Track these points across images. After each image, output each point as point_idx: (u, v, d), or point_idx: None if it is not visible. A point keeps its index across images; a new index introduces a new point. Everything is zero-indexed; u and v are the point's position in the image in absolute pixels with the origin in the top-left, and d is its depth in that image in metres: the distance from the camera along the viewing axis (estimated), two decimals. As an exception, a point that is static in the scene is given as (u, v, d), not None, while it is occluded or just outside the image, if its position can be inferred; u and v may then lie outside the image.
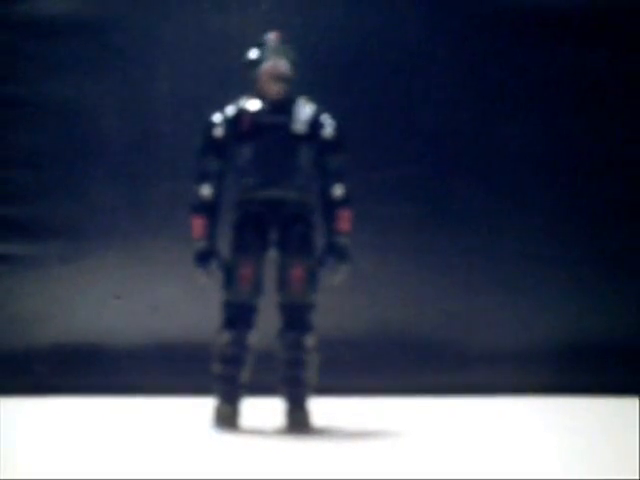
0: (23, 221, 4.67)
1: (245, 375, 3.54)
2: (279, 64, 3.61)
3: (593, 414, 4.03)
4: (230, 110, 3.62)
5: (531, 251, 4.71)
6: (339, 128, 3.61)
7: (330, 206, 3.61)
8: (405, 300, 4.65)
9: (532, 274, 4.70)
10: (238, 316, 3.51)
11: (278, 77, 3.59)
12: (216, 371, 3.54)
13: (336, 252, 3.58)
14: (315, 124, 3.59)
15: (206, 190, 3.57)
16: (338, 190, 3.61)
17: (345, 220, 3.61)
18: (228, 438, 3.34)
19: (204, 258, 3.55)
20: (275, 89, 3.59)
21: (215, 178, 3.58)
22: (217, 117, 3.62)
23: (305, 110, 3.61)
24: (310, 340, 3.52)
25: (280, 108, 3.60)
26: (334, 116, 3.62)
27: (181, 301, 4.62)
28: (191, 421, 3.70)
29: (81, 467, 2.82)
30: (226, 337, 3.52)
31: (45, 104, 4.70)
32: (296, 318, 3.53)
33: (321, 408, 3.70)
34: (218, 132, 3.59)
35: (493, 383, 4.53)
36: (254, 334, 3.52)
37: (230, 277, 3.52)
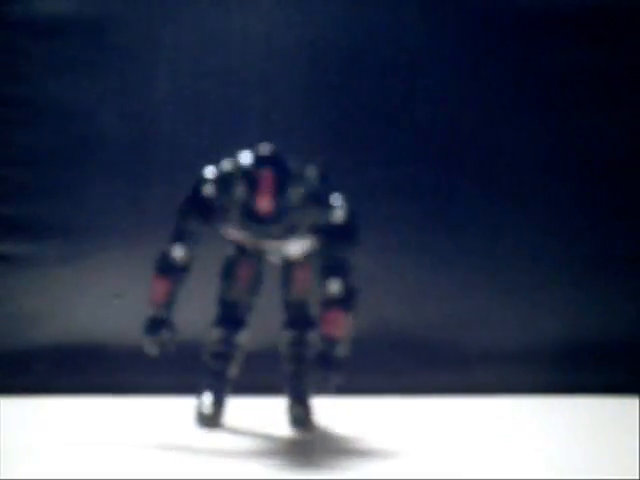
0: (23, 221, 4.67)
1: (232, 372, 3.52)
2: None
3: (593, 414, 4.03)
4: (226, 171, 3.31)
5: (531, 251, 4.71)
6: (351, 214, 3.24)
7: (323, 304, 3.20)
8: (405, 300, 4.65)
9: (532, 274, 4.70)
10: (231, 314, 3.47)
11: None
12: (205, 365, 3.52)
13: (325, 363, 3.18)
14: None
15: (179, 252, 3.34)
16: (334, 286, 3.22)
17: (337, 324, 3.20)
18: (228, 438, 3.34)
19: (155, 327, 3.34)
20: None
21: (192, 239, 3.34)
22: (210, 173, 3.33)
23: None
24: (313, 336, 3.46)
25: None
26: (343, 183, 3.38)
27: (181, 301, 4.61)
28: (189, 420, 3.70)
29: (81, 467, 2.82)
30: (216, 334, 3.50)
31: (44, 104, 4.69)
32: (299, 315, 3.46)
33: (321, 408, 3.70)
34: (208, 191, 3.29)
35: (493, 383, 4.53)
36: (245, 333, 3.49)
37: (228, 274, 3.46)
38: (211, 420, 3.48)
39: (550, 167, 4.75)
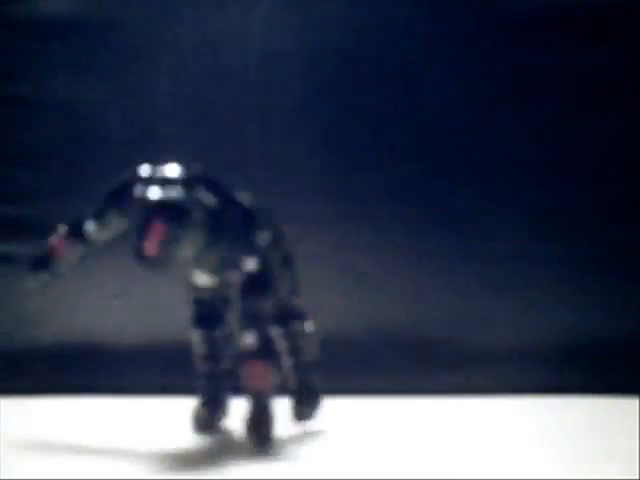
0: (23, 221, 4.67)
1: (225, 372, 3.40)
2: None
3: (593, 414, 4.02)
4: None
5: (531, 251, 4.70)
6: (264, 261, 3.18)
7: (241, 357, 3.13)
8: (405, 300, 4.65)
9: (532, 274, 4.69)
10: (205, 312, 3.37)
11: None
12: (197, 369, 3.41)
13: (258, 421, 3.13)
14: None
15: (91, 227, 3.36)
16: (249, 339, 3.11)
17: (257, 376, 3.10)
18: (227, 438, 3.34)
19: (39, 265, 3.36)
20: None
21: (105, 224, 3.34)
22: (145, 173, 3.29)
23: None
24: (309, 327, 3.43)
25: None
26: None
27: (181, 301, 4.61)
28: (189, 421, 3.70)
29: (81, 467, 2.82)
30: (196, 335, 3.40)
31: (45, 104, 4.69)
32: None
33: (321, 409, 3.70)
34: (137, 192, 3.26)
35: (493, 383, 4.53)
36: (224, 328, 3.36)
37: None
38: (204, 425, 3.39)
39: (550, 167, 4.75)
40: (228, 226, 3.22)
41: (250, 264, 3.14)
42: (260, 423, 3.12)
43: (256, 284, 3.14)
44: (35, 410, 4.03)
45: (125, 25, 4.74)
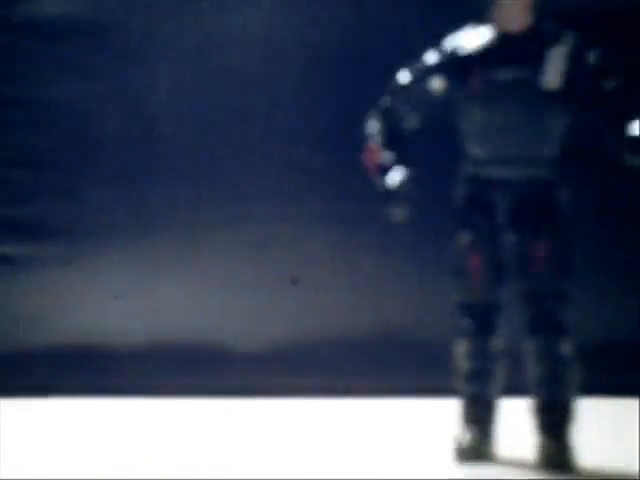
0: (23, 221, 4.67)
1: (494, 392, 2.97)
2: None
3: (593, 414, 4.02)
4: (454, 50, 2.80)
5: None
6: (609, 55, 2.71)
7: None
8: (405, 300, 4.65)
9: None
10: (475, 320, 2.89)
11: (528, 4, 2.68)
12: (460, 389, 2.94)
13: None
14: (573, 72, 2.68)
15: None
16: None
17: None
18: (226, 438, 3.34)
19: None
20: (522, 21, 2.71)
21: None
22: (435, 58, 2.85)
23: (558, 51, 2.71)
24: (567, 346, 2.92)
25: (524, 50, 2.72)
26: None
27: (181, 301, 4.61)
28: (190, 422, 3.70)
29: (81, 467, 2.82)
30: (463, 348, 2.93)
31: (45, 104, 4.69)
32: (544, 313, 2.87)
33: (321, 409, 3.70)
34: (436, 84, 2.82)
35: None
36: (498, 339, 2.95)
37: (458, 273, 2.90)
38: (473, 453, 2.87)
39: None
40: None
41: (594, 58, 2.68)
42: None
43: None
44: (35, 411, 4.02)
45: (125, 26, 4.73)
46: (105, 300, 4.62)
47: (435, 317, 4.66)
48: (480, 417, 2.87)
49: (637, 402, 4.20)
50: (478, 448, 2.85)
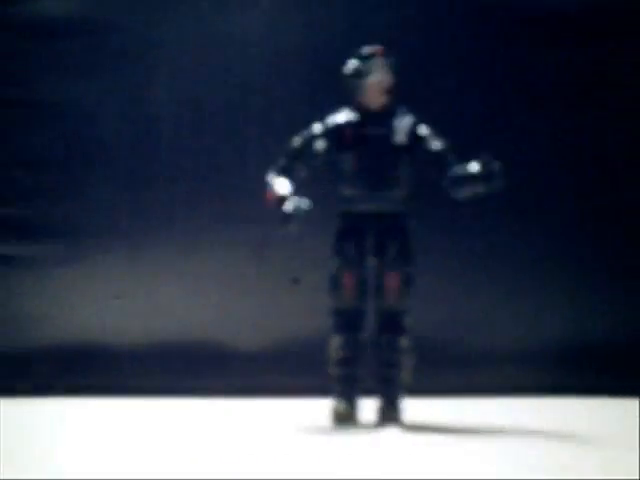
0: (23, 221, 4.67)
1: (360, 374, 3.71)
2: (387, 78, 3.75)
3: (593, 414, 4.02)
4: (331, 121, 3.75)
5: (531, 251, 4.70)
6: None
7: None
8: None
9: (534, 276, 4.69)
10: (346, 321, 3.69)
11: (386, 90, 3.74)
12: (333, 373, 3.71)
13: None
14: (413, 135, 3.75)
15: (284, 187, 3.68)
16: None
17: None
18: (225, 438, 3.34)
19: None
20: (381, 101, 3.74)
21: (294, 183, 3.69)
22: (318, 128, 3.76)
23: (405, 121, 3.76)
24: (404, 342, 3.69)
25: (381, 120, 3.74)
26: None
27: (181, 301, 4.62)
28: (190, 421, 3.70)
29: (81, 467, 2.82)
30: (338, 340, 3.69)
31: (45, 105, 4.69)
32: (391, 322, 3.70)
33: (321, 409, 3.70)
34: (319, 145, 3.73)
35: (493, 383, 4.53)
36: (364, 336, 3.71)
37: (335, 286, 3.69)
38: (346, 418, 3.65)
39: (551, 169, 4.74)
40: None
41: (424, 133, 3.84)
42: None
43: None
44: (35, 410, 4.02)
45: (125, 27, 4.74)
46: (105, 300, 4.62)
47: (438, 318, 4.66)
48: (348, 392, 3.67)
49: (637, 402, 4.20)
50: (349, 414, 3.65)
